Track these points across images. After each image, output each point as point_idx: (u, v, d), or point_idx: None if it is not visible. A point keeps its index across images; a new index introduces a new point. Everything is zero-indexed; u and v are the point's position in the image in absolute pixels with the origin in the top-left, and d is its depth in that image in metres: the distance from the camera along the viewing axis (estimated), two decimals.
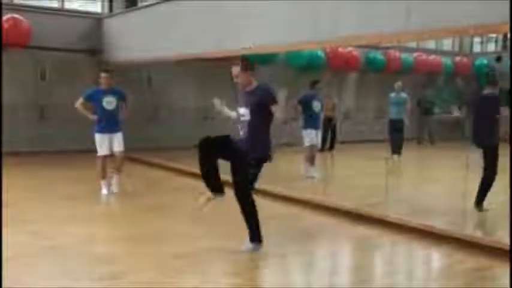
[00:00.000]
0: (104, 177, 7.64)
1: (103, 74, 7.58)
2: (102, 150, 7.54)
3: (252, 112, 4.94)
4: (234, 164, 4.98)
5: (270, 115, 4.95)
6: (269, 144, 5.06)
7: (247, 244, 5.03)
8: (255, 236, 5.03)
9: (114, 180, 7.71)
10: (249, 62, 5.09)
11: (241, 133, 5.04)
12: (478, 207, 6.71)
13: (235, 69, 5.01)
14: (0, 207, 5.33)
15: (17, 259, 4.63)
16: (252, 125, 4.95)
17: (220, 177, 5.01)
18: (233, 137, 5.08)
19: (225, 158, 5.01)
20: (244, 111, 5.00)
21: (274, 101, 4.90)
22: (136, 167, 10.39)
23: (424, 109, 15.51)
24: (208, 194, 4.99)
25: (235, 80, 5.07)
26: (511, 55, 13.60)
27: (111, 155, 7.66)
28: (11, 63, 11.28)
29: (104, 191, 7.59)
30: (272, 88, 5.03)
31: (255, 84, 5.05)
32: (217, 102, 5.52)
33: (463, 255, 5.13)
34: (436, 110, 15.42)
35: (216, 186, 4.98)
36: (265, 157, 5.04)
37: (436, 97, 16.05)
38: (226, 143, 5.02)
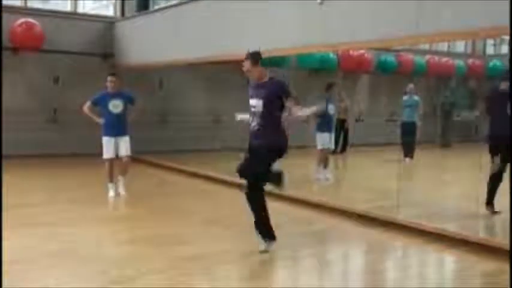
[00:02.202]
0: (111, 180, 7.66)
1: (109, 78, 7.59)
2: (107, 153, 7.54)
3: (264, 104, 4.92)
4: (250, 161, 5.01)
5: (282, 107, 4.95)
6: (283, 135, 5.04)
7: (262, 244, 5.02)
8: (267, 234, 5.03)
9: (121, 183, 7.72)
10: (258, 54, 5.04)
11: (252, 124, 5.03)
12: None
13: (246, 64, 5.01)
14: (0, 210, 5.35)
15: (27, 262, 4.64)
16: (264, 116, 4.94)
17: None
18: (251, 142, 5.08)
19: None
20: (255, 103, 4.99)
21: (286, 94, 4.88)
22: (146, 169, 10.42)
23: (445, 112, 15.40)
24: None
25: (246, 74, 5.06)
26: (510, 54, 13.38)
27: (118, 158, 7.65)
28: (24, 66, 11.38)
29: (111, 194, 7.61)
30: (284, 82, 5.02)
31: (267, 77, 5.03)
32: (239, 116, 5.52)
33: (477, 259, 5.07)
34: (454, 111, 15.32)
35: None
36: (280, 147, 5.00)
37: (453, 99, 15.94)
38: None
